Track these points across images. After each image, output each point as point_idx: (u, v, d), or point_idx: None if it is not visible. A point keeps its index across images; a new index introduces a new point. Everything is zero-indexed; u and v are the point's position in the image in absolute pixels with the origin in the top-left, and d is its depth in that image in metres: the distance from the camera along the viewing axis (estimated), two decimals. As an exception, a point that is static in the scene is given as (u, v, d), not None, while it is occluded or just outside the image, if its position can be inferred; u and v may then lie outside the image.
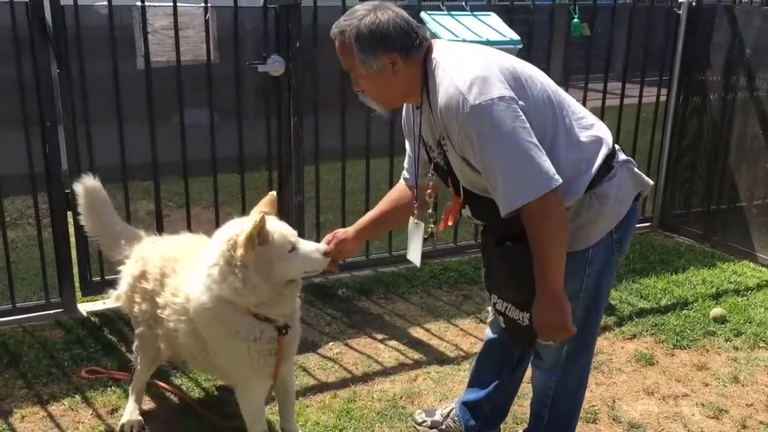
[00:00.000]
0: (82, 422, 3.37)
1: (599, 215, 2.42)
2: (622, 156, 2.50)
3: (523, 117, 2.21)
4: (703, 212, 5.85)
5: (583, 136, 2.41)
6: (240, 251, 2.60)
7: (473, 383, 3.21)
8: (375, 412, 3.50)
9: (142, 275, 3.13)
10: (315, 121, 4.73)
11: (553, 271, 2.27)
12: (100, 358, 3.86)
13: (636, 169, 2.53)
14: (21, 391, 3.58)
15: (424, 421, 3.32)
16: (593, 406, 3.58)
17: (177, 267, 3.01)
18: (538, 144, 2.21)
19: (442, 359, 4.00)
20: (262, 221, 2.61)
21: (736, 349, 4.17)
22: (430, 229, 2.72)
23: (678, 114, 5.99)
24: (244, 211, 4.75)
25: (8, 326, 4.17)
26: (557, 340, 2.50)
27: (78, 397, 3.53)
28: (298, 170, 4.75)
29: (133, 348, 3.36)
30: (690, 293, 4.84)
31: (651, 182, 2.57)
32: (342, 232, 2.81)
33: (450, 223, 2.71)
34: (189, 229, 4.55)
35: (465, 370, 3.88)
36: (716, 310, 4.50)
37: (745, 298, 4.79)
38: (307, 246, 2.72)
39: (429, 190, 2.67)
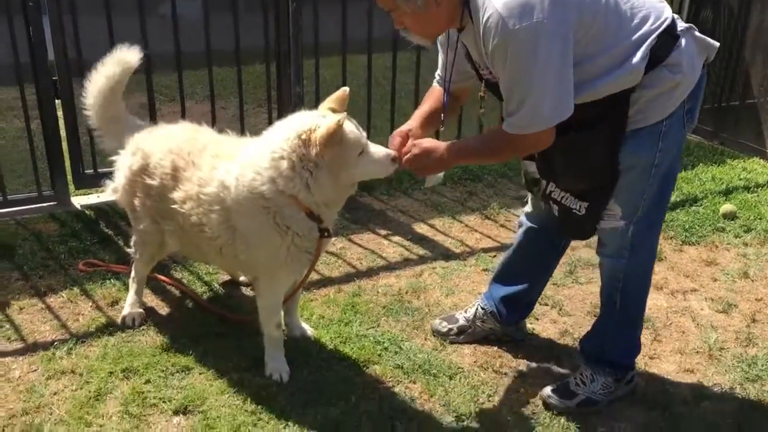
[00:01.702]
0: (82, 314, 3.29)
1: (673, 83, 2.38)
2: (682, 23, 2.43)
3: (563, 37, 2.20)
4: (713, 109, 5.67)
5: (636, 17, 2.35)
6: (316, 149, 2.49)
7: (510, 276, 3.13)
8: (380, 306, 3.44)
9: (144, 170, 2.96)
10: (314, 10, 4.45)
11: (464, 162, 2.93)
12: (97, 251, 3.76)
13: (698, 33, 2.45)
14: (17, 283, 3.49)
15: (450, 329, 3.22)
16: (601, 301, 3.53)
17: (195, 159, 2.85)
18: (567, 73, 2.23)
19: (447, 255, 3.92)
20: (342, 122, 2.48)
21: (746, 245, 4.11)
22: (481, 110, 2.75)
23: (691, 7, 5.72)
24: (242, 106, 4.59)
25: (0, 219, 4.03)
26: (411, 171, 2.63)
27: (77, 290, 3.44)
28: (297, 60, 4.51)
29: (131, 243, 3.24)
30: (699, 190, 4.75)
31: (716, 44, 2.49)
32: (409, 130, 2.66)
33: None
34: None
35: (471, 266, 3.82)
36: (726, 207, 4.41)
37: (755, 194, 4.70)
38: (376, 151, 2.61)
39: (481, 93, 2.66)
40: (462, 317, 3.24)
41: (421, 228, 4.19)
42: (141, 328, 3.20)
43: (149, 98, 4.32)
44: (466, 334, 3.21)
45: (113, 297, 3.40)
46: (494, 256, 3.93)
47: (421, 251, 3.95)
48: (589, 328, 2.99)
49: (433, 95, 2.82)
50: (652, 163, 2.47)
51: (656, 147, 2.45)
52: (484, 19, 2.23)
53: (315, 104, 4.70)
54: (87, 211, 4.13)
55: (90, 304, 3.36)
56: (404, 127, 2.69)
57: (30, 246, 3.76)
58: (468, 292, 3.59)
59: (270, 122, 4.74)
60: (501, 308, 3.15)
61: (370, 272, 3.73)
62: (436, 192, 4.62)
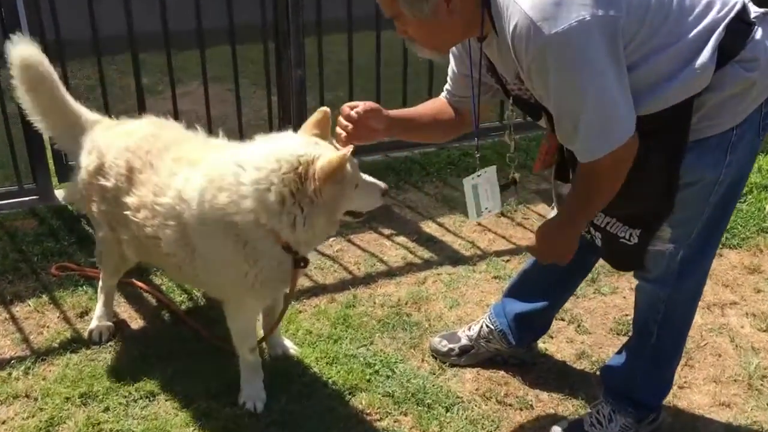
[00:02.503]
0: (47, 326, 3.01)
1: (748, 83, 1.97)
2: (755, 8, 2.01)
3: (611, 34, 1.81)
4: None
5: (699, 4, 1.94)
6: (315, 185, 2.18)
7: (527, 291, 2.75)
8: (376, 319, 3.08)
9: (99, 170, 2.65)
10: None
11: (585, 217, 2.15)
12: (74, 252, 3.47)
13: None
14: (-17, 289, 3.23)
15: (451, 350, 2.84)
16: (626, 315, 3.12)
17: (153, 160, 2.52)
18: (624, 76, 1.86)
19: (455, 259, 3.54)
20: (347, 155, 2.16)
21: (796, 250, 3.64)
22: (512, 175, 2.41)
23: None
24: (238, 90, 4.23)
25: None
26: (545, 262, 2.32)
27: (45, 297, 3.16)
28: (297, 38, 4.13)
29: (95, 252, 2.94)
30: (743, 184, 4.25)
31: None
32: (376, 106, 2.26)
33: (546, 165, 2.34)
34: (174, 108, 4.06)
35: (481, 272, 3.43)
36: (774, 205, 3.93)
37: (807, 190, 4.20)
38: (369, 184, 2.35)
39: (509, 111, 2.29)
40: (465, 336, 2.87)
41: (428, 227, 3.81)
42: (108, 344, 2.91)
43: (136, 83, 3.99)
44: (469, 356, 2.85)
45: (83, 307, 3.11)
46: (507, 260, 3.53)
47: (427, 254, 3.57)
48: (612, 351, 2.61)
49: (434, 105, 2.44)
50: (716, 180, 2.06)
51: (723, 160, 2.04)
52: (511, 27, 1.85)
53: (319, 89, 4.41)
54: (70, 206, 3.84)
55: (57, 314, 3.08)
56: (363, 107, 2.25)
57: (2, 246, 3.49)
58: (475, 304, 3.21)
59: (270, 111, 4.42)
60: (513, 327, 2.78)
61: (368, 279, 3.37)
62: (448, 185, 4.22)
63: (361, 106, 2.21)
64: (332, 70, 4.57)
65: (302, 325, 3.03)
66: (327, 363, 2.82)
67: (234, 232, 2.27)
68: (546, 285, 2.71)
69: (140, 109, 3.93)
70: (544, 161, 2.35)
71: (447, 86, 2.44)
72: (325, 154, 2.18)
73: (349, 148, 2.17)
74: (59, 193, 3.98)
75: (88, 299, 3.14)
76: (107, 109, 3.84)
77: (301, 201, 2.19)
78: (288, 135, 2.36)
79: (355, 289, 3.29)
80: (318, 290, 3.28)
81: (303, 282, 3.31)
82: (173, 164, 2.46)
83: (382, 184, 2.37)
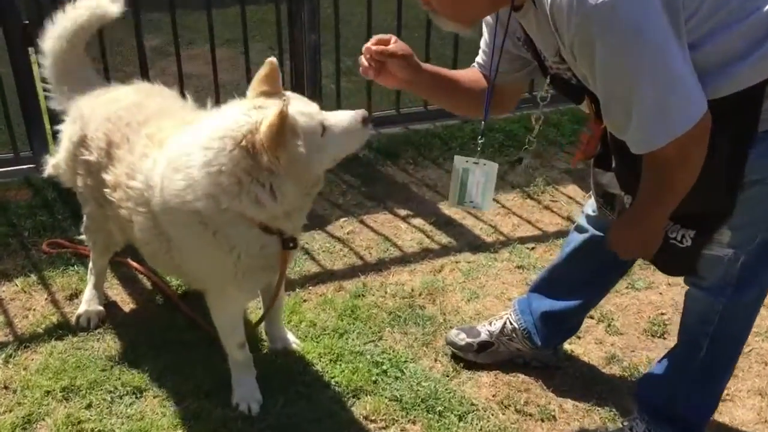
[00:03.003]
0: (34, 309, 2.81)
1: None
2: None
3: (671, 2, 1.54)
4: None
5: None
6: (267, 155, 1.91)
7: (558, 288, 2.48)
8: (386, 311, 2.83)
9: (82, 142, 2.41)
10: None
11: (663, 209, 1.82)
12: (68, 227, 3.24)
13: None
14: (-32, 266, 3.02)
15: (470, 345, 2.58)
16: (662, 313, 2.84)
17: (130, 134, 2.27)
18: (686, 52, 1.59)
19: (475, 245, 3.26)
20: (284, 115, 1.86)
21: None
22: (521, 156, 2.23)
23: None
24: (247, 54, 3.95)
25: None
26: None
27: (34, 277, 2.95)
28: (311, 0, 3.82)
29: (82, 229, 2.71)
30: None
31: None
32: (409, 52, 1.97)
33: (587, 156, 2.06)
34: (179, 71, 3.79)
35: (503, 261, 3.15)
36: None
37: None
38: (338, 121, 2.02)
39: (543, 91, 2.00)
40: (485, 330, 2.61)
41: (447, 208, 3.53)
42: (97, 330, 2.70)
43: (138, 44, 3.71)
44: (488, 353, 2.59)
45: (73, 288, 2.90)
46: (532, 248, 3.25)
47: (444, 239, 3.30)
48: (645, 355, 2.34)
49: (471, 73, 2.15)
50: None
51: None
52: None
53: (335, 54, 4.11)
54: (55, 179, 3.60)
55: (45, 296, 2.87)
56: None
57: (-9, 218, 3.28)
58: (495, 297, 2.94)
59: (282, 78, 4.11)
60: (539, 327, 2.51)
61: (380, 265, 3.11)
62: (471, 162, 3.91)
63: (393, 46, 1.93)
64: (350, 34, 4.25)
65: (306, 316, 2.79)
66: (331, 360, 2.58)
67: (199, 220, 2.03)
68: (578, 282, 2.44)
69: (143, 71, 3.68)
70: (585, 152, 2.07)
71: (479, 58, 2.15)
72: (268, 116, 1.90)
73: (284, 99, 1.89)
74: (57, 162, 3.76)
75: (79, 280, 2.92)
76: (107, 71, 3.60)
77: (258, 176, 1.94)
78: (233, 104, 2.08)
79: (366, 276, 3.04)
80: (325, 277, 3.03)
81: (309, 267, 3.07)
82: (146, 142, 2.21)
83: (358, 113, 2.03)
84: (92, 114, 2.41)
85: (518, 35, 1.95)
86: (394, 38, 1.95)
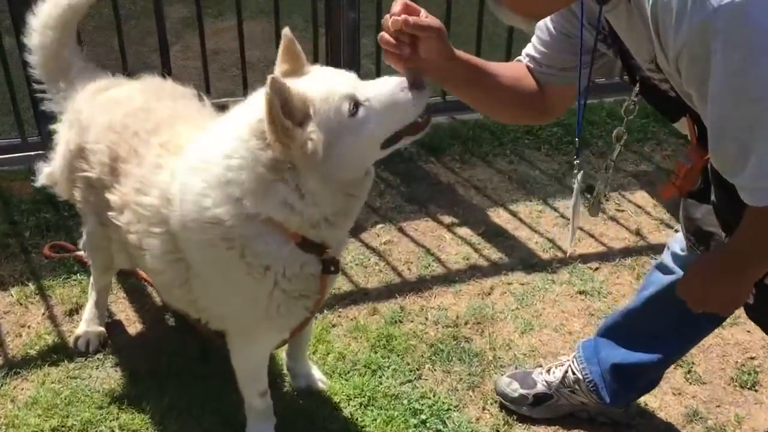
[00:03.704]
0: (28, 325, 2.49)
1: None
2: None
3: None
4: None
5: None
6: (274, 144, 1.54)
7: (634, 337, 2.07)
8: (427, 343, 2.45)
9: (80, 153, 2.05)
10: None
11: (763, 264, 1.46)
12: (74, 227, 2.89)
13: None
14: (-38, 270, 2.71)
15: (524, 396, 2.20)
16: (751, 357, 2.42)
17: (139, 146, 1.90)
18: None
19: (530, 263, 2.84)
20: (276, 87, 1.47)
21: None
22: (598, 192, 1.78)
23: None
24: (278, 29, 3.53)
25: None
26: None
27: (32, 286, 2.63)
28: (351, -27, 3.39)
29: (81, 245, 2.37)
30: None
31: None
32: (438, 24, 1.50)
33: (681, 191, 1.66)
34: (203, 48, 3.40)
35: (562, 284, 2.74)
36: None
37: None
38: (378, 91, 1.56)
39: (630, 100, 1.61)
40: (542, 380, 2.22)
41: (498, 216, 3.11)
42: (97, 355, 2.37)
43: (157, 16, 3.32)
44: (545, 407, 2.20)
45: (73, 302, 2.57)
46: (596, 269, 2.83)
47: (495, 254, 2.89)
48: (734, 410, 1.92)
49: (515, 68, 1.73)
50: None
51: None
52: None
53: (375, 33, 3.68)
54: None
55: (42, 310, 2.55)
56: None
57: (-9, 215, 2.96)
58: (554, 330, 2.54)
59: (315, 57, 3.72)
60: (609, 380, 2.11)
61: (420, 284, 2.72)
62: (525, 160, 3.47)
63: (430, 18, 1.48)
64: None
65: (334, 345, 2.42)
66: (361, 404, 2.22)
67: (222, 235, 1.67)
68: (659, 332, 2.02)
69: (162, 48, 3.32)
70: (681, 187, 1.65)
71: (531, 50, 1.72)
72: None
73: (270, 79, 1.47)
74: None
75: (81, 292, 2.59)
76: (122, 49, 3.25)
77: (281, 171, 1.57)
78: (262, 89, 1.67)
79: (404, 297, 2.65)
80: (357, 297, 2.66)
81: (340, 284, 2.69)
82: (159, 152, 1.83)
83: (398, 80, 1.55)
84: (91, 120, 2.04)
85: (600, 26, 1.53)
86: (423, 11, 1.50)
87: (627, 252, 2.90)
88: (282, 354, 2.30)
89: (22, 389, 2.25)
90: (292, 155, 1.54)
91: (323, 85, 1.56)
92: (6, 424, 2.13)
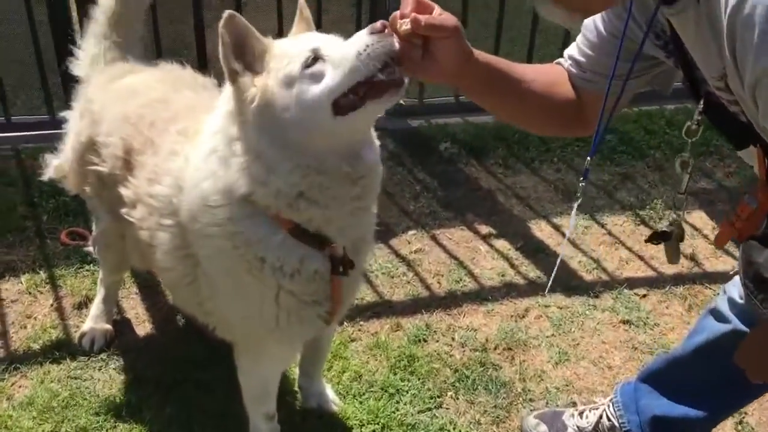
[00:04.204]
0: (35, 317, 2.38)
1: None
2: None
3: None
4: None
5: None
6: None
7: (680, 388, 1.86)
8: (451, 367, 2.26)
9: (91, 146, 1.92)
10: None
11: None
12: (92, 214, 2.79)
13: None
14: (-25, 253, 2.62)
15: None
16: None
17: (155, 136, 1.76)
18: None
19: (570, 284, 2.62)
20: (231, 23, 1.36)
21: None
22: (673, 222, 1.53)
23: None
24: (320, 12, 3.34)
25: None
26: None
27: (43, 275, 2.52)
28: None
29: (90, 241, 2.24)
30: None
31: None
32: (453, 22, 1.30)
33: (742, 236, 1.41)
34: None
35: (604, 310, 2.52)
36: None
37: None
38: (344, 45, 1.37)
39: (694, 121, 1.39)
40: (573, 424, 2.02)
41: (540, 229, 2.89)
42: (100, 355, 2.25)
43: None
44: (577, 455, 2.00)
45: (83, 295, 2.45)
46: (643, 296, 2.59)
47: (533, 272, 2.67)
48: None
49: (547, 72, 1.53)
50: None
51: None
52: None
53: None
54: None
55: (51, 300, 2.44)
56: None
57: (12, 196, 2.86)
58: (591, 363, 2.33)
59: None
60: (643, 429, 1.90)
61: (449, 300, 2.53)
62: (573, 169, 3.24)
63: (444, 16, 1.28)
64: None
65: (351, 363, 2.25)
66: (375, 431, 2.05)
67: (218, 223, 1.53)
68: (708, 385, 1.80)
69: (197, 25, 3.17)
70: (742, 230, 1.42)
71: (574, 51, 1.50)
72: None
73: (228, 13, 1.34)
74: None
75: (92, 283, 2.47)
76: (156, 29, 3.11)
77: (234, 124, 1.47)
78: None
79: (430, 314, 2.47)
80: (381, 309, 2.48)
81: (364, 293, 2.51)
82: (177, 139, 1.68)
83: (375, 26, 1.31)
84: (104, 110, 1.90)
85: (659, 29, 1.31)
86: (437, 8, 1.29)
87: (679, 279, 2.65)
88: (295, 369, 2.14)
89: (20, 387, 2.14)
90: (244, 108, 1.41)
91: (296, 38, 1.46)
92: (0, 424, 2.02)
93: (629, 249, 2.81)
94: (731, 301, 1.72)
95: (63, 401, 2.08)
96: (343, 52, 1.34)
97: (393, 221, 2.88)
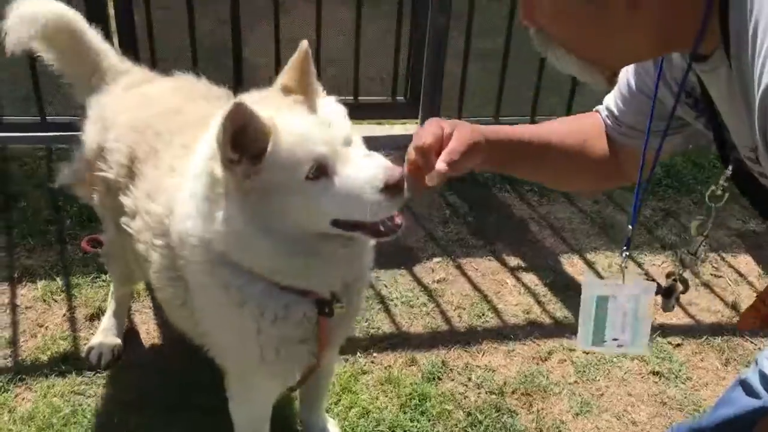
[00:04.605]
0: (46, 326, 2.36)
1: None
2: None
3: None
4: None
5: None
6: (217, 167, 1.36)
7: None
8: (464, 410, 2.16)
9: (100, 152, 1.88)
10: None
11: None
12: (116, 220, 2.77)
13: None
14: (-4, 255, 2.61)
15: None
16: None
17: (160, 146, 1.73)
18: None
19: (600, 328, 2.48)
20: (238, 111, 1.26)
21: None
22: (678, 290, 1.38)
23: None
24: (359, 17, 3.25)
25: (30, 144, 3.16)
26: None
27: (59, 282, 2.50)
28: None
29: (102, 251, 2.21)
30: None
31: None
32: (463, 128, 1.26)
33: (765, 323, 1.35)
34: (277, 37, 3.19)
35: (635, 359, 2.37)
36: None
37: None
38: (352, 172, 1.32)
39: (720, 185, 1.26)
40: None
41: (572, 265, 2.75)
42: (106, 371, 2.21)
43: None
44: None
45: (96, 306, 2.42)
46: (677, 345, 2.44)
47: (560, 311, 2.54)
48: None
49: (579, 127, 1.42)
50: None
51: None
52: None
53: (465, 42, 3.36)
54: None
55: (63, 311, 2.41)
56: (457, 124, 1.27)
57: (38, 198, 2.85)
58: (615, 417, 2.19)
59: (396, 66, 3.43)
60: None
61: (469, 336, 2.42)
62: (613, 202, 3.08)
63: (455, 144, 1.21)
64: (484, 20, 3.45)
65: (360, 398, 2.16)
66: (377, 476, 1.96)
67: (209, 263, 1.48)
68: None
69: (234, 29, 3.12)
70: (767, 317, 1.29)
71: (611, 102, 1.39)
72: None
73: (233, 105, 1.24)
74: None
75: (106, 295, 2.44)
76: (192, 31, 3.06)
77: (218, 196, 1.39)
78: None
79: (448, 350, 2.36)
80: (397, 341, 2.38)
81: (380, 323, 2.43)
82: (178, 153, 1.63)
83: (386, 173, 1.30)
84: (114, 117, 1.86)
85: (689, 86, 1.18)
86: (445, 127, 1.23)
87: (718, 329, 2.49)
88: (298, 402, 2.07)
89: (23, 399, 2.11)
90: (232, 185, 1.34)
91: (303, 127, 1.32)
92: (-3, 438, 1.99)
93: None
94: (763, 375, 1.57)
95: (63, 418, 2.04)
96: (351, 185, 1.30)
97: (418, 246, 2.78)
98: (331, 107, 1.41)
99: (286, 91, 1.40)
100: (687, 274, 1.41)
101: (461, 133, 1.23)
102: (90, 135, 1.95)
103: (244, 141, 1.28)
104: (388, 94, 3.47)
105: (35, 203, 2.82)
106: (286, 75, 1.42)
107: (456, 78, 3.38)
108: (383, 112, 3.51)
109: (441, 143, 1.21)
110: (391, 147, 3.31)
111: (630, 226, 1.34)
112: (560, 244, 2.84)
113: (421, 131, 1.23)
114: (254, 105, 1.28)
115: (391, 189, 1.28)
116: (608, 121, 1.39)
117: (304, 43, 1.42)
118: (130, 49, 3.00)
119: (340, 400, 2.15)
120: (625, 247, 1.36)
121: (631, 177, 1.48)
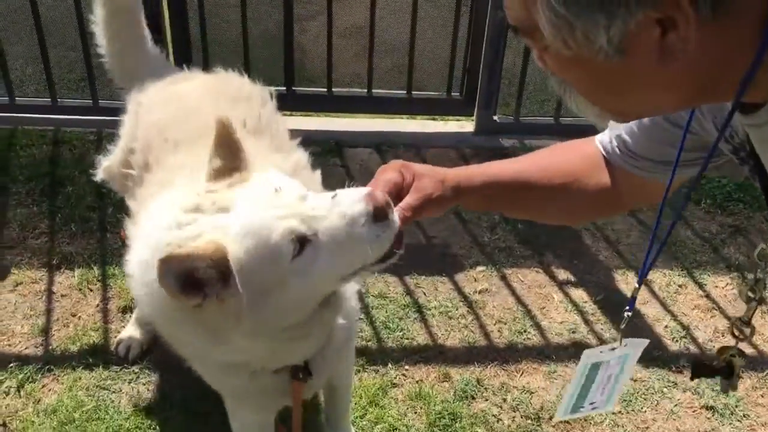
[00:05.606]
0: (79, 315, 2.35)
1: None
2: None
3: None
4: None
5: None
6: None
7: None
8: (496, 434, 2.04)
9: (130, 150, 1.84)
10: None
11: None
12: (157, 210, 2.74)
13: None
14: (38, 239, 2.62)
15: None
16: None
17: (162, 155, 1.68)
18: None
19: (650, 354, 2.30)
20: (169, 268, 1.13)
21: None
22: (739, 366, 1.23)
23: None
24: (415, 12, 3.13)
25: (82, 128, 3.17)
26: None
27: (96, 271, 2.49)
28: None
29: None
30: None
31: None
32: (424, 180, 1.18)
33: None
34: (329, 29, 3.11)
35: (686, 389, 2.20)
36: None
37: None
38: (331, 223, 1.17)
39: None
40: None
41: (626, 281, 2.58)
42: (133, 367, 2.18)
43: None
44: None
45: (130, 298, 2.38)
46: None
47: (609, 332, 2.38)
48: None
49: (570, 159, 1.29)
50: None
51: None
52: None
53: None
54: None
55: (98, 300, 2.40)
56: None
57: (83, 184, 2.85)
58: (660, 454, 2.03)
59: (452, 61, 3.29)
60: None
61: (507, 354, 2.29)
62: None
63: (412, 199, 1.17)
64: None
65: (387, 413, 2.07)
66: (397, 500, 1.86)
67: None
68: None
69: (287, 19, 3.05)
70: None
71: (621, 131, 1.21)
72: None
73: (159, 261, 1.11)
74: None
75: (141, 288, 2.41)
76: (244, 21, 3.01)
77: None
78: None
79: (484, 367, 2.24)
80: (431, 353, 2.27)
81: (415, 333, 2.33)
82: (178, 162, 1.57)
83: (359, 209, 1.14)
84: (147, 111, 1.82)
85: (727, 133, 1.02)
86: (406, 176, 1.19)
87: (783, 363, 2.29)
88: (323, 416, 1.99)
89: (49, 390, 2.11)
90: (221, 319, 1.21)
91: (256, 219, 1.16)
92: (21, 429, 1.98)
93: (728, 318, 2.45)
94: None
95: (86, 413, 2.03)
96: (337, 235, 1.16)
97: (463, 253, 2.66)
98: (270, 172, 1.27)
99: (219, 174, 1.26)
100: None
101: (421, 185, 1.17)
102: (128, 125, 1.91)
103: (199, 281, 1.14)
104: (444, 90, 3.34)
105: (80, 189, 2.82)
106: (214, 158, 1.28)
107: (515, 76, 3.23)
108: (437, 108, 3.38)
109: (400, 190, 1.16)
110: (443, 144, 3.22)
111: (636, 285, 1.20)
112: (615, 259, 2.67)
113: (379, 177, 1.17)
114: (187, 230, 1.19)
115: (379, 214, 1.14)
116: (617, 151, 1.23)
117: (221, 117, 1.28)
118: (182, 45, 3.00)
119: (366, 414, 2.07)
120: (627, 307, 1.21)
121: (628, 207, 1.37)
